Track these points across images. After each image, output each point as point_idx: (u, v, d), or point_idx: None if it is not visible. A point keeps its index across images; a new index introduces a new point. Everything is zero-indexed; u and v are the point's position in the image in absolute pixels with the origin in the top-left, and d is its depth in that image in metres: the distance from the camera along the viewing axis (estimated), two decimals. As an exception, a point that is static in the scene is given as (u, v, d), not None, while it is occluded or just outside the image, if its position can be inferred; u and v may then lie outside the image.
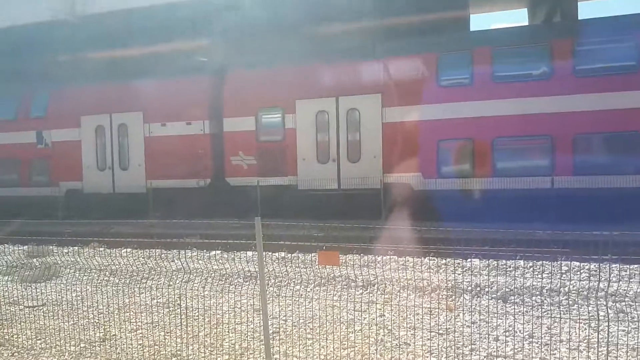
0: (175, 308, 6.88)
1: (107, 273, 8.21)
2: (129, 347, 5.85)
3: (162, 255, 8.31)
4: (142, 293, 7.20)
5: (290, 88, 15.76)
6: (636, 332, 5.61)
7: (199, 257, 8.95)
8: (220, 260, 8.98)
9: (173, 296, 7.10)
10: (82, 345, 5.97)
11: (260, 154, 16.04)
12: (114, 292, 6.97)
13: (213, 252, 9.79)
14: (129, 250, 8.78)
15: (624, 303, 6.42)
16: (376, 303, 6.81)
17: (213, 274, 8.25)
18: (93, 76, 18.91)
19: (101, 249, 9.71)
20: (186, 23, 18.42)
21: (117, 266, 7.67)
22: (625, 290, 6.57)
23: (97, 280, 7.78)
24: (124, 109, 17.68)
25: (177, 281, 7.39)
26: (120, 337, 6.12)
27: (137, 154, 17.56)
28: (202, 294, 7.10)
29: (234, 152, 16.32)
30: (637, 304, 6.39)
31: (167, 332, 6.12)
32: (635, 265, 7.25)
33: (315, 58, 15.97)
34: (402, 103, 14.52)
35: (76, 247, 9.63)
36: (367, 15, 18.10)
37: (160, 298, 7.11)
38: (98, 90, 18.16)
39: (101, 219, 15.14)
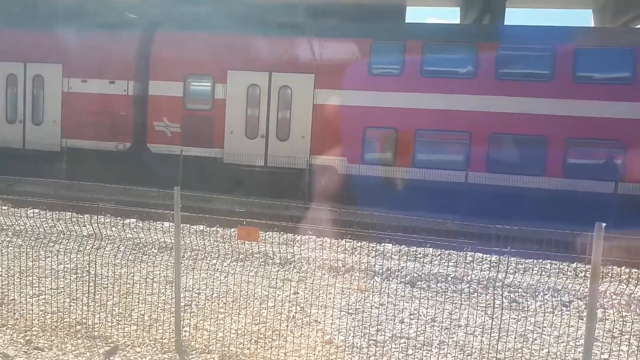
0: (84, 275, 6.62)
1: (9, 233, 7.72)
2: (29, 313, 5.58)
3: (73, 218, 7.92)
4: (48, 257, 6.86)
5: (223, 57, 15.34)
6: (525, 321, 6.16)
7: (112, 224, 8.63)
8: (135, 229, 8.73)
9: (82, 262, 6.83)
10: (-25, 308, 5.62)
11: (186, 122, 15.56)
12: (16, 255, 6.56)
13: (128, 220, 9.47)
14: (36, 210, 8.27)
15: (517, 293, 7.00)
16: (291, 281, 6.95)
17: (126, 242, 8.01)
18: (8, 19, 17.37)
19: (5, 207, 9.08)
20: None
21: (21, 227, 7.22)
22: (519, 281, 7.17)
23: (-2, 240, 7.30)
24: (41, 59, 16.39)
25: (88, 247, 7.10)
26: (20, 302, 5.81)
27: (53, 110, 16.40)
28: (114, 262, 6.88)
29: (158, 118, 15.70)
30: (528, 294, 6.99)
31: (73, 299, 5.90)
32: (530, 260, 7.90)
33: (252, 28, 15.64)
34: (334, 86, 14.63)
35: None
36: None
37: (67, 263, 6.80)
38: (12, 35, 16.69)
39: (7, 176, 14.09)
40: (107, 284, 6.37)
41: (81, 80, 16.14)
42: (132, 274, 6.71)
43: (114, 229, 8.29)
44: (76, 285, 6.28)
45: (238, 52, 15.40)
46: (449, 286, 7.18)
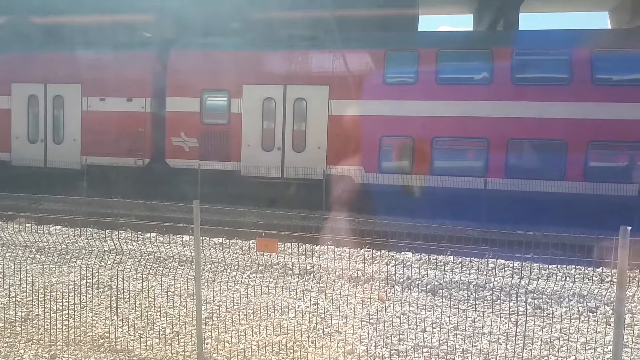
0: (106, 289, 6.69)
1: (33, 250, 7.84)
2: (53, 328, 5.64)
3: (95, 234, 8.03)
4: (71, 272, 6.94)
5: (239, 72, 15.52)
6: (550, 327, 6.02)
7: (133, 239, 8.72)
8: (156, 243, 8.80)
9: (104, 277, 6.90)
10: (0, 324, 5.70)
11: (203, 137, 15.74)
12: (40, 271, 6.67)
13: (148, 234, 9.56)
14: (58, 227, 8.40)
15: (541, 300, 6.87)
16: (311, 291, 6.92)
17: (147, 257, 8.08)
18: (29, 42, 17.87)
19: (28, 224, 9.24)
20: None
21: (44, 243, 7.34)
22: (543, 288, 7.03)
23: (22, 257, 7.41)
24: (60, 79, 16.78)
25: (109, 262, 7.17)
26: (44, 317, 5.88)
27: (73, 128, 16.75)
28: (135, 277, 6.94)
29: (175, 133, 15.91)
30: (552, 301, 6.85)
31: (96, 314, 5.95)
32: (553, 265, 7.75)
33: (266, 44, 15.83)
34: (349, 97, 14.69)
35: (0, 222, 9.12)
36: (320, 5, 18.14)
37: (90, 278, 6.88)
38: (33, 57, 17.13)
39: (30, 194, 14.37)
40: (128, 298, 6.42)
41: (99, 99, 16.47)
42: (153, 288, 6.77)
43: (134, 243, 8.37)
44: (98, 299, 6.34)
45: (252, 66, 15.58)
46: (471, 294, 7.07)
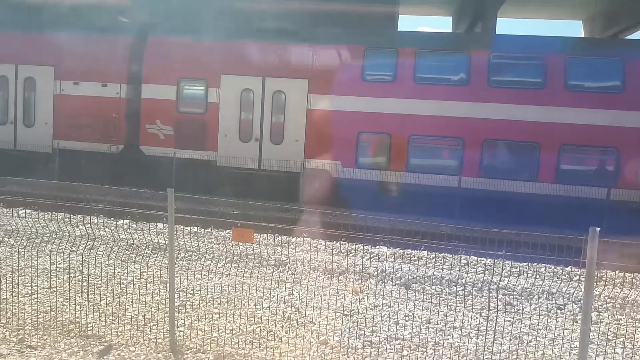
0: (77, 274, 6.55)
1: (1, 233, 7.62)
2: (22, 312, 5.50)
3: (66, 219, 7.83)
4: (41, 257, 6.78)
5: (217, 61, 15.35)
6: (520, 323, 6.17)
7: (105, 225, 8.55)
8: (129, 230, 8.66)
9: (75, 262, 6.76)
10: (-34, 307, 5.53)
11: (179, 125, 15.53)
12: (8, 254, 6.48)
13: (121, 221, 9.40)
14: (28, 211, 8.17)
15: (512, 296, 7.02)
16: (286, 282, 6.91)
17: (119, 243, 7.94)
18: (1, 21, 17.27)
19: (-5, 207, 8.97)
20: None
21: (13, 227, 7.13)
22: (514, 285, 7.19)
23: (-11, 240, 7.20)
24: (32, 61, 16.29)
25: (80, 247, 7.02)
26: (12, 301, 5.73)
27: (45, 112, 16.29)
28: (107, 263, 6.82)
29: (151, 120, 15.66)
30: (522, 298, 7.01)
31: (66, 299, 5.82)
32: (525, 263, 7.93)
33: (246, 34, 15.68)
34: (328, 91, 14.70)
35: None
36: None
37: (60, 263, 6.73)
38: (4, 38, 16.59)
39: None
40: (100, 284, 6.30)
41: (73, 82, 16.07)
42: (126, 275, 6.66)
43: (107, 229, 8.21)
44: (69, 285, 6.21)
45: (231, 57, 15.44)
46: (444, 288, 7.18)
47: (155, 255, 7.68)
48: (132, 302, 5.95)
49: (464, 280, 7.37)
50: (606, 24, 21.90)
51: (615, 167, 13.61)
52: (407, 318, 6.11)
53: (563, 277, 7.57)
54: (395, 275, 7.52)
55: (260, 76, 15.18)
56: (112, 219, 9.33)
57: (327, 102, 14.70)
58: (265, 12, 18.54)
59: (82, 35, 16.08)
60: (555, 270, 7.61)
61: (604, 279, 7.56)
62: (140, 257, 7.41)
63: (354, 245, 8.61)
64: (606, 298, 6.90)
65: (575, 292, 6.96)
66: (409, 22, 71.00)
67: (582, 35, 24.12)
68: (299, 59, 15.33)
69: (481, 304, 6.64)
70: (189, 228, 9.05)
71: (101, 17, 18.51)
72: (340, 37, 15.24)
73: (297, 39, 15.43)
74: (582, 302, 5.33)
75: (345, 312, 6.10)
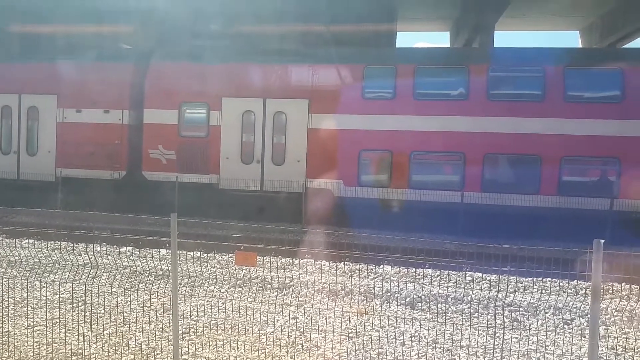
0: (79, 304, 6.53)
1: (4, 264, 7.62)
2: (24, 345, 5.47)
3: (69, 248, 7.85)
4: (43, 287, 6.76)
5: (218, 85, 15.48)
6: (527, 340, 6.09)
7: (108, 252, 8.56)
8: (132, 257, 8.65)
9: (77, 292, 6.74)
10: (-31, 341, 5.51)
11: (182, 149, 15.61)
12: (11, 286, 6.47)
13: (124, 248, 9.40)
14: (31, 241, 8.21)
15: (518, 313, 6.95)
16: (290, 305, 6.86)
17: (122, 271, 7.93)
18: (3, 52, 17.56)
19: (-1, 238, 8.99)
20: (114, 6, 17.56)
21: (16, 257, 7.14)
22: (520, 300, 7.12)
23: (-8, 272, 7.20)
24: (35, 90, 16.49)
25: (83, 276, 7.01)
26: (15, 334, 5.70)
27: (48, 140, 16.43)
28: (110, 291, 6.80)
29: (153, 145, 15.75)
30: (529, 313, 6.93)
31: (69, 330, 5.80)
32: (530, 278, 7.86)
33: (246, 57, 15.84)
34: (329, 110, 14.76)
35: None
36: (300, 19, 18.29)
37: (63, 293, 6.71)
38: (7, 68, 16.83)
39: (1, 207, 14.00)
40: (103, 313, 6.27)
41: (76, 110, 16.23)
42: (129, 303, 6.63)
43: (110, 257, 8.22)
44: (72, 315, 6.19)
45: (232, 79, 15.57)
46: (450, 307, 7.11)
47: (159, 282, 7.66)
48: (135, 330, 5.91)
49: (469, 298, 7.30)
50: (603, 34, 22.04)
51: (617, 177, 13.54)
52: (413, 339, 6.05)
53: (569, 291, 7.49)
54: (400, 294, 7.46)
55: (261, 98, 15.28)
56: (115, 246, 9.34)
57: (327, 121, 14.76)
58: (264, 34, 18.78)
59: (84, 62, 16.28)
60: (561, 284, 7.54)
61: (610, 291, 7.47)
62: (144, 284, 7.40)
63: (358, 265, 8.56)
64: (613, 311, 6.80)
65: (582, 306, 6.87)
66: (407, 39, 71.49)
67: (580, 45, 24.26)
68: (298, 79, 15.45)
69: (487, 321, 6.56)
70: (191, 253, 9.04)
71: (102, 44, 18.80)
72: (339, 56, 15.36)
73: (296, 59, 15.57)
74: (589, 316, 5.26)
75: (350, 335, 6.04)
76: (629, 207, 12.98)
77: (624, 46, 21.77)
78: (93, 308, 6.25)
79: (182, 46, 17.49)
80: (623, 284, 7.89)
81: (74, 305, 6.59)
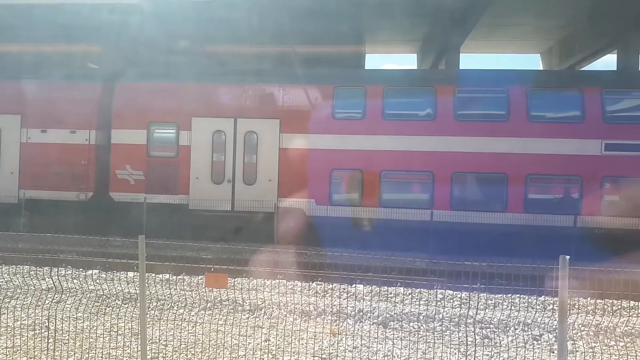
0: (43, 330, 6.28)
1: (-39, 291, 7.30)
2: (-17, 375, 5.23)
3: (32, 272, 7.58)
4: (4, 314, 6.49)
5: (188, 105, 15.40)
6: (498, 356, 6.16)
7: (73, 276, 8.30)
8: (98, 280, 8.42)
9: (40, 318, 6.49)
10: None
11: (150, 170, 15.37)
12: (-32, 313, 6.20)
13: (90, 271, 9.14)
14: (-9, 265, 7.92)
15: (489, 329, 7.02)
16: (262, 327, 6.77)
17: (89, 295, 7.69)
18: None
19: (-44, 263, 8.62)
20: (81, 25, 17.35)
21: (-26, 283, 6.85)
22: (490, 317, 7.20)
23: (-52, 299, 6.88)
24: None
25: (47, 301, 6.77)
26: (-28, 364, 5.45)
27: (11, 161, 15.92)
28: (75, 316, 6.58)
29: (121, 166, 15.47)
30: (499, 330, 7.01)
31: (30, 357, 5.56)
32: (499, 295, 7.98)
33: (216, 77, 15.83)
34: (300, 130, 14.84)
35: None
36: (271, 41, 18.46)
37: (25, 320, 6.45)
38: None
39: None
40: (67, 340, 6.05)
41: (41, 130, 15.84)
42: (95, 328, 6.42)
43: (75, 281, 7.97)
44: (34, 342, 5.95)
45: (202, 99, 15.51)
46: (422, 325, 7.14)
47: (126, 305, 7.46)
48: (102, 357, 5.72)
49: (441, 316, 7.35)
50: (562, 57, 22.99)
51: (580, 195, 13.97)
52: (386, 358, 6.04)
53: (537, 307, 7.63)
54: (373, 313, 7.46)
55: (232, 117, 15.26)
56: (81, 269, 9.07)
57: (299, 141, 14.81)
58: (235, 54, 18.86)
59: (49, 82, 15.99)
60: (530, 300, 7.68)
61: (576, 306, 7.64)
62: (111, 308, 7.19)
63: (330, 285, 8.54)
64: (580, 326, 6.96)
65: (550, 321, 7.00)
66: (375, 60, 72.89)
67: (541, 67, 25.21)
68: (269, 100, 15.51)
69: (459, 339, 6.61)
70: (160, 275, 8.85)
71: (69, 63, 18.51)
72: (309, 77, 15.51)
73: (267, 79, 15.65)
74: (556, 331, 5.37)
75: (323, 356, 5.99)
76: (591, 224, 13.39)
77: (582, 69, 22.74)
78: (57, 334, 6.03)
79: (151, 66, 17.37)
80: (589, 298, 8.10)
81: (37, 332, 6.34)
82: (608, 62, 22.87)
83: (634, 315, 7.40)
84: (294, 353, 5.93)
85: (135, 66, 17.27)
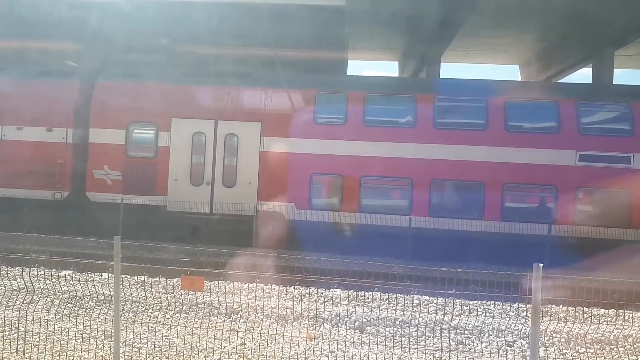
0: (12, 332, 6.14)
1: None
2: (-52, 377, 5.09)
3: (2, 272, 7.41)
4: (-28, 315, 6.33)
5: (168, 105, 15.27)
6: (471, 362, 6.23)
7: (46, 277, 8.13)
8: (72, 281, 8.26)
9: (10, 319, 6.34)
10: None
11: (128, 170, 15.16)
12: None
13: (64, 272, 8.97)
14: (-42, 265, 7.71)
15: (463, 335, 7.10)
16: (238, 331, 6.73)
17: (61, 296, 7.55)
18: None
19: None
20: (60, 23, 17.07)
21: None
22: (465, 323, 7.28)
23: None
24: None
25: (17, 302, 6.61)
26: (-62, 366, 5.30)
27: None
28: (47, 318, 6.45)
29: (98, 166, 15.24)
30: (474, 336, 7.10)
31: (-1, 360, 5.43)
32: (475, 301, 8.08)
33: (197, 78, 15.74)
34: (281, 134, 14.83)
35: None
36: (255, 44, 18.43)
37: (-7, 321, 6.30)
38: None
39: None
40: (38, 342, 5.93)
41: (16, 127, 15.51)
42: (67, 330, 6.30)
43: (47, 281, 7.81)
44: (2, 344, 5.81)
45: (182, 100, 15.39)
46: (398, 330, 7.19)
47: (100, 307, 7.33)
48: (73, 359, 5.61)
49: (417, 321, 7.40)
50: (540, 69, 23.49)
51: (554, 204, 14.25)
52: (361, 363, 6.05)
53: (511, 313, 7.75)
54: (350, 318, 7.47)
55: (213, 119, 15.16)
56: (54, 270, 8.88)
57: (280, 145, 14.79)
58: (217, 55, 18.75)
59: (26, 79, 15.70)
60: (504, 307, 7.79)
61: (549, 313, 7.78)
62: (84, 310, 7.06)
63: (308, 289, 8.53)
64: (552, 333, 7.08)
65: (523, 328, 7.11)
66: (357, 67, 73.35)
67: (520, 78, 25.71)
68: (251, 103, 15.46)
69: (434, 344, 6.67)
70: (135, 277, 8.73)
71: (47, 60, 18.18)
72: (292, 82, 15.52)
73: (249, 82, 15.61)
74: (529, 338, 5.45)
75: (299, 360, 5.97)
76: (565, 232, 13.66)
77: (559, 81, 23.27)
78: (27, 336, 5.90)
79: (131, 65, 17.17)
80: (561, 305, 8.25)
81: (6, 333, 6.20)
82: (584, 75, 23.38)
83: (604, 322, 7.56)
84: (269, 357, 5.91)
85: (115, 65, 17.04)
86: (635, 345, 6.83)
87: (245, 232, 14.18)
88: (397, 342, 6.68)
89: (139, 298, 7.61)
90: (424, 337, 7.02)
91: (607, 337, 6.86)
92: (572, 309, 7.98)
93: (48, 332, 6.14)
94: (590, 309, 7.95)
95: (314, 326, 7.20)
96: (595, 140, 14.26)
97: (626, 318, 7.68)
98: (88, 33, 17.80)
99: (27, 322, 6.06)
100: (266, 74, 16.13)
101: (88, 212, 14.68)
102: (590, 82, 20.14)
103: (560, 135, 14.35)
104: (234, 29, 17.23)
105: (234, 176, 15.04)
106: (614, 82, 19.43)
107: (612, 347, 6.72)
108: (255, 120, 15.00)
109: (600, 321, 7.64)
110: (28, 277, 7.32)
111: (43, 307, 6.81)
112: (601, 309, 8.02)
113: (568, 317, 7.66)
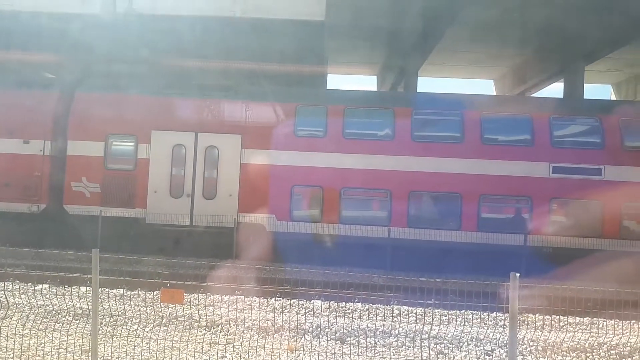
0: (-14, 348, 6.01)
1: None
2: None
3: (-24, 287, 7.26)
4: (-56, 331, 6.18)
5: (148, 117, 15.20)
6: (451, 371, 6.31)
7: (21, 291, 7.98)
8: (48, 295, 8.13)
9: (-16, 335, 6.21)
10: None
11: (107, 182, 15.00)
12: None
13: (40, 286, 8.81)
14: None
15: (443, 345, 7.19)
16: (218, 344, 6.70)
17: (37, 310, 7.41)
18: None
19: None
20: (38, 34, 16.90)
21: None
22: (444, 333, 7.38)
23: None
24: None
25: (-8, 317, 6.49)
26: None
27: None
28: (21, 333, 6.33)
29: (76, 178, 15.04)
30: (453, 345, 7.19)
31: (-28, 376, 5.32)
32: (453, 311, 8.19)
33: (177, 90, 15.72)
34: (261, 146, 14.88)
35: None
36: (235, 57, 18.50)
37: (-34, 337, 6.16)
38: None
39: None
40: (12, 358, 5.81)
41: (-9, 140, 15.24)
42: (43, 345, 6.19)
43: (23, 296, 7.67)
44: (-23, 360, 5.69)
45: (162, 112, 15.35)
46: (378, 340, 7.24)
47: (77, 321, 7.23)
48: (49, 375, 5.53)
49: (397, 331, 7.47)
50: (514, 83, 24.08)
51: (529, 215, 14.55)
52: (342, 373, 6.08)
53: (489, 322, 7.87)
54: (331, 329, 7.50)
55: (193, 131, 15.15)
56: (30, 284, 8.73)
57: (260, 157, 14.83)
58: (197, 68, 18.75)
59: (3, 90, 15.47)
60: (482, 316, 7.91)
61: (526, 322, 7.93)
62: (60, 324, 6.95)
63: (289, 301, 8.54)
64: (529, 341, 7.22)
65: (501, 337, 7.24)
66: (337, 81, 73.82)
67: (495, 92, 26.28)
68: (232, 115, 15.49)
69: (414, 354, 6.74)
70: (114, 291, 8.63)
71: (24, 71, 17.94)
72: (272, 94, 15.61)
73: (230, 95, 15.64)
74: (507, 346, 5.57)
75: (280, 371, 5.98)
76: (540, 243, 13.94)
77: (532, 95, 23.87)
78: (1, 352, 5.78)
79: (110, 77, 17.05)
80: (537, 314, 8.41)
81: (-20, 349, 6.06)
82: (555, 89, 24.04)
83: (580, 330, 7.73)
84: (250, 369, 5.91)
85: (95, 77, 16.90)
86: (609, 353, 7.01)
87: (225, 244, 14.13)
88: (377, 353, 6.72)
89: (118, 311, 7.52)
90: (404, 347, 7.08)
91: (582, 345, 7.03)
92: (549, 317, 8.14)
93: (23, 348, 6.03)
94: (566, 317, 8.12)
95: (295, 338, 7.21)
96: (568, 152, 14.64)
97: (601, 326, 7.87)
98: (67, 44, 17.64)
99: (1, 337, 5.95)
100: (247, 87, 16.19)
101: (66, 225, 14.46)
102: (562, 96, 20.70)
103: (534, 148, 14.70)
104: (215, 42, 17.27)
105: (214, 188, 15.00)
106: (585, 97, 20.02)
107: (588, 354, 6.88)
108: (235, 133, 15.02)
109: (576, 329, 7.81)
110: (2, 292, 7.19)
111: (18, 322, 6.69)
112: (576, 317, 8.21)
113: (545, 326, 7.81)
